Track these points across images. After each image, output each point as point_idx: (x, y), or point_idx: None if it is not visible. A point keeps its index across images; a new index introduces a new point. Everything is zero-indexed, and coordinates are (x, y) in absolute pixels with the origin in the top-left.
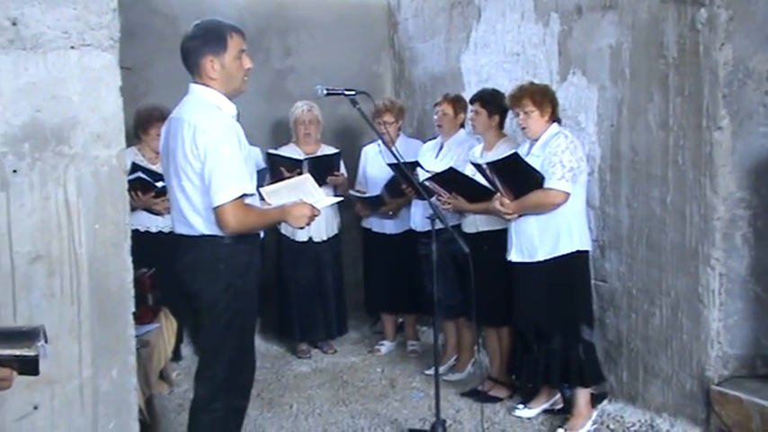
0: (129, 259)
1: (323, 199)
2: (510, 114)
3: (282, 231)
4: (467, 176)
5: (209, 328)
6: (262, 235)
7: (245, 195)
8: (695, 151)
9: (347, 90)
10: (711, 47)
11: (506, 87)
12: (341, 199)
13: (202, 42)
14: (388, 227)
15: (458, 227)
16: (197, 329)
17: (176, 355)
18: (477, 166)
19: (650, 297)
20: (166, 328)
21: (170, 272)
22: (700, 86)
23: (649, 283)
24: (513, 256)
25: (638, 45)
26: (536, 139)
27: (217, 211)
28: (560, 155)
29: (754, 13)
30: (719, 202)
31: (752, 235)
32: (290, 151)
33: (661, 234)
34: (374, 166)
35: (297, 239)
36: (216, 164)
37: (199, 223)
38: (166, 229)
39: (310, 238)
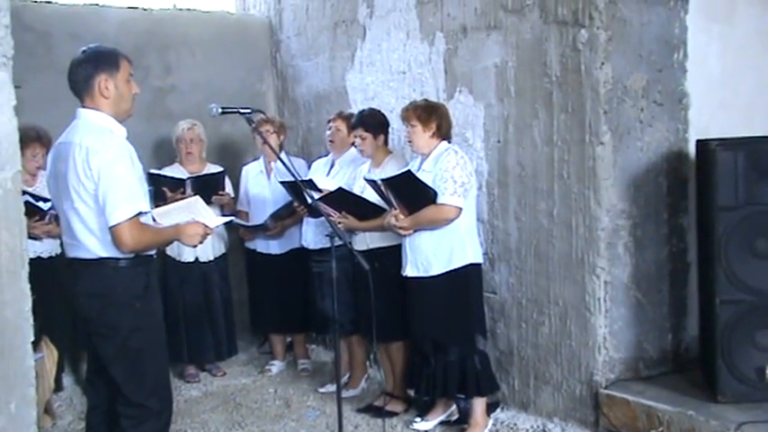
0: (26, 287)
1: (213, 219)
2: (399, 130)
3: (168, 252)
4: (356, 195)
5: (117, 356)
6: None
7: (140, 214)
8: (579, 165)
9: (242, 108)
10: (592, 66)
11: (393, 105)
12: (231, 218)
13: (95, 63)
14: (273, 247)
15: (350, 244)
16: (94, 357)
17: (58, 386)
18: (372, 183)
19: (539, 306)
20: (48, 357)
21: (49, 299)
22: (582, 103)
23: (538, 293)
24: (409, 271)
25: (522, 64)
26: (426, 156)
27: (113, 230)
28: (451, 171)
29: (629, 34)
30: (603, 213)
31: (632, 244)
32: (174, 171)
33: (548, 245)
34: (256, 185)
35: (183, 260)
36: (110, 183)
37: (94, 245)
38: (45, 254)
39: (197, 259)
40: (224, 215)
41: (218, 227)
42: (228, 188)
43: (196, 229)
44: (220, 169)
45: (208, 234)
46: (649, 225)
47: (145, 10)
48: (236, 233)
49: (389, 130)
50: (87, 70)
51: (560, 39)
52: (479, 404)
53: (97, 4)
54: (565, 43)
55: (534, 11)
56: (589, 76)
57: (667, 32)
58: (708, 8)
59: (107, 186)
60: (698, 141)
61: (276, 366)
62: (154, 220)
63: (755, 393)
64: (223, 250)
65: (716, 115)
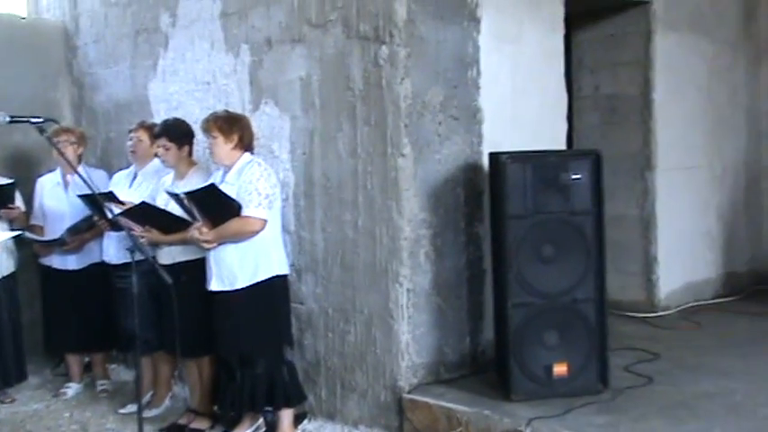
0: None
1: None
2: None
3: None
4: (159, 209)
5: None
6: None
7: None
8: (382, 177)
9: (33, 117)
10: (393, 81)
11: (197, 116)
12: (18, 233)
13: None
14: (70, 262)
15: (153, 258)
16: None
17: None
18: (175, 196)
19: (345, 316)
20: None
21: None
22: (384, 117)
23: (344, 302)
24: (214, 285)
25: (326, 77)
26: (229, 168)
27: None
28: (255, 183)
29: (427, 52)
30: (405, 223)
31: (433, 252)
32: None
33: (354, 255)
34: (52, 198)
35: None
36: None
37: None
38: None
39: None
40: (13, 230)
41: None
42: (19, 201)
43: None
44: (10, 181)
45: None
46: (448, 234)
47: None
48: (30, 249)
49: (194, 141)
50: None
51: (362, 54)
52: (287, 416)
53: None
54: (367, 59)
55: (337, 26)
56: (390, 91)
57: (462, 51)
58: (498, 29)
59: None
60: (491, 154)
61: (72, 389)
62: None
63: (544, 390)
64: (12, 268)
65: (507, 129)
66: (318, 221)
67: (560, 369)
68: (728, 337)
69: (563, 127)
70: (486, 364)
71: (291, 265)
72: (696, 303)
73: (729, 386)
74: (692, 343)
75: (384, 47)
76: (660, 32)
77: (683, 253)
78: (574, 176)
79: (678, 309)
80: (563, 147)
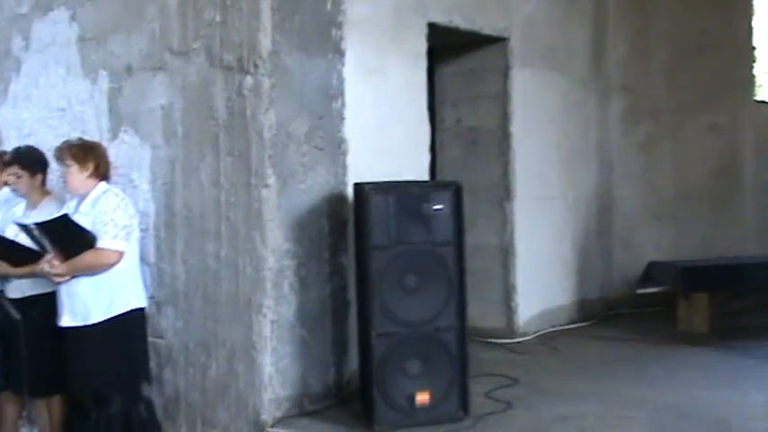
0: None
1: None
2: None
3: None
4: (8, 240)
5: None
6: None
7: None
8: (246, 207)
9: None
10: (257, 111)
11: (51, 143)
12: None
13: None
14: None
15: (1, 292)
16: None
17: None
18: (24, 227)
19: (207, 350)
20: None
21: None
22: (248, 147)
23: (206, 336)
24: (66, 320)
25: (189, 106)
26: (84, 197)
27: None
28: (112, 213)
29: (292, 83)
30: (269, 253)
31: (297, 283)
32: None
33: (216, 287)
34: None
35: None
36: None
37: None
38: None
39: None
40: None
41: None
42: None
43: None
44: None
45: None
46: (313, 264)
47: None
48: None
49: (48, 169)
50: None
51: (226, 83)
52: None
53: None
54: (231, 88)
55: (200, 55)
56: (254, 121)
57: (326, 82)
58: (363, 62)
59: None
60: (355, 185)
61: None
62: None
63: (407, 419)
64: None
65: (372, 160)
66: (180, 253)
67: (422, 398)
68: (582, 361)
69: (426, 158)
70: (352, 395)
71: (150, 298)
72: (552, 329)
73: (583, 409)
74: (548, 368)
75: (248, 77)
76: (517, 68)
77: (539, 280)
78: (435, 207)
79: (536, 334)
80: (426, 177)
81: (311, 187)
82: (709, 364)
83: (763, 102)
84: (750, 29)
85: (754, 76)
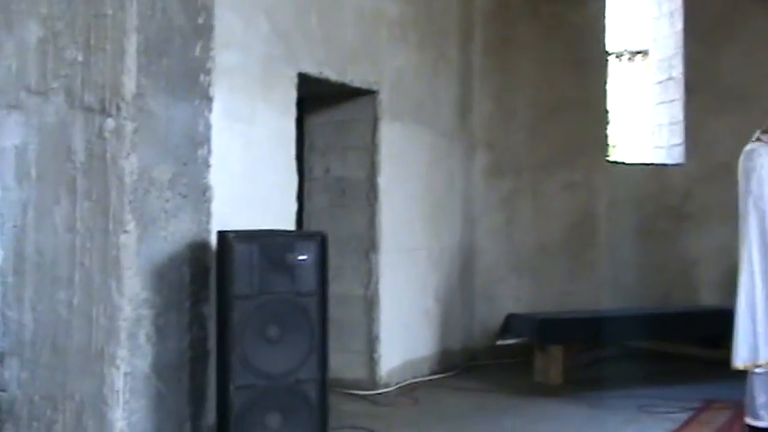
0: None
1: None
2: None
3: None
4: None
5: None
6: None
7: None
8: (102, 254)
9: None
10: (118, 155)
11: None
12: None
13: None
14: None
15: None
16: None
17: None
18: None
19: (54, 403)
20: None
21: None
22: (107, 192)
23: (53, 388)
24: None
25: (45, 147)
26: None
27: None
28: None
29: (156, 127)
30: (126, 302)
31: (154, 333)
32: None
33: (67, 337)
34: None
35: None
36: None
37: None
38: None
39: None
40: None
41: None
42: None
43: None
44: None
45: None
46: (172, 314)
47: None
48: None
49: None
50: None
51: (86, 125)
52: None
53: None
54: (91, 130)
55: (60, 94)
56: (115, 165)
57: (192, 128)
58: (231, 109)
59: None
60: (218, 233)
61: None
62: None
63: None
64: None
65: (237, 208)
66: (28, 300)
67: None
68: (442, 412)
69: (293, 207)
70: None
71: None
72: (414, 380)
73: None
74: (408, 420)
75: (110, 119)
76: (385, 120)
77: (403, 331)
78: (300, 257)
79: (398, 386)
80: (293, 227)
81: (173, 234)
82: (562, 415)
83: (616, 162)
84: (605, 92)
85: (607, 137)
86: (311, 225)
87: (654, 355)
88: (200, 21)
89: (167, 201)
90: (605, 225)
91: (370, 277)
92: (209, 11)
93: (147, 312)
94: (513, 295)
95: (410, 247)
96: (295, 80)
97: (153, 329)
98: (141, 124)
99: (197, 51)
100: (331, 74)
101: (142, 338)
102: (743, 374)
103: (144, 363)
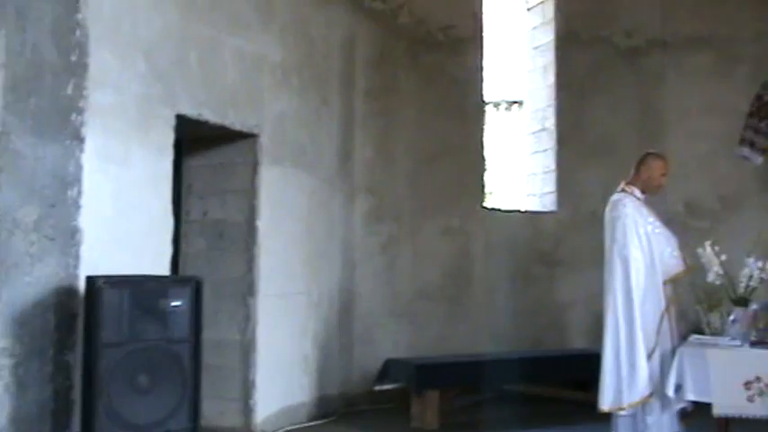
0: None
1: None
2: None
3: None
4: None
5: None
6: None
7: None
8: None
9: None
10: None
11: None
12: None
13: None
14: None
15: None
16: None
17: None
18: None
19: None
20: None
21: None
22: None
23: None
24: None
25: None
26: None
27: None
28: None
29: (22, 167)
30: None
31: (14, 384)
32: None
33: None
34: None
35: None
36: None
37: None
38: None
39: None
40: None
41: None
42: None
43: None
44: None
45: None
46: (34, 363)
47: None
48: None
49: None
50: None
51: None
52: None
53: None
54: None
55: None
56: None
57: (62, 169)
58: (104, 150)
59: None
60: (87, 278)
61: None
62: None
63: None
64: None
65: (108, 252)
66: None
67: None
68: None
69: (168, 251)
70: None
71: None
72: (291, 427)
73: None
74: None
75: None
76: (266, 164)
77: (280, 377)
78: (173, 304)
79: None
80: (167, 271)
81: (38, 279)
82: None
83: (492, 208)
84: (482, 140)
85: (484, 184)
86: (188, 268)
87: (528, 398)
88: (74, 58)
89: (32, 243)
90: (481, 270)
91: (247, 322)
92: (83, 48)
93: (6, 362)
94: (391, 340)
95: (289, 291)
96: (173, 121)
97: (12, 380)
98: (6, 164)
99: (69, 90)
100: (211, 116)
101: (0, 390)
102: (609, 416)
103: (1, 416)
